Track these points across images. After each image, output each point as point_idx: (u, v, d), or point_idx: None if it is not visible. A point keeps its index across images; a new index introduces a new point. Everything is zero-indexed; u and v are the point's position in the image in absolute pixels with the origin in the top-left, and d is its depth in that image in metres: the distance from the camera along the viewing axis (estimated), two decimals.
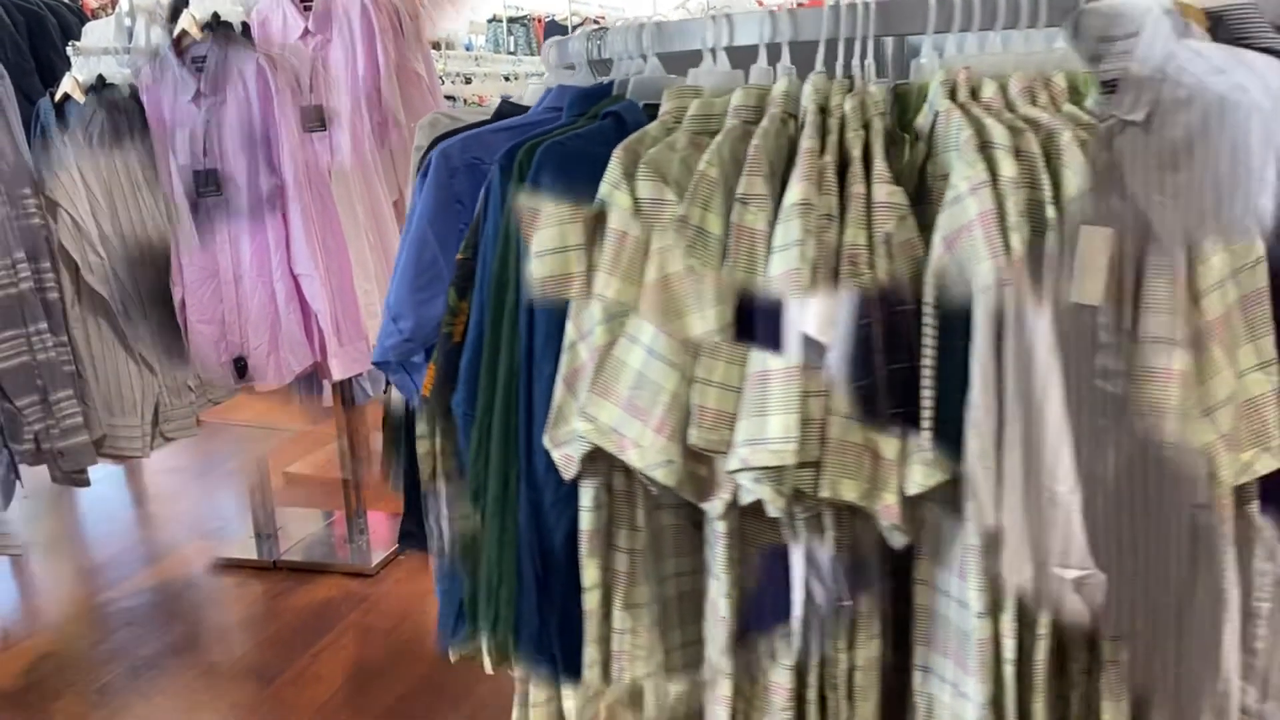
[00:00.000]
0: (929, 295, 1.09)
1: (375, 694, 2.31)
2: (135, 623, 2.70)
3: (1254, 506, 1.04)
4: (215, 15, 2.93)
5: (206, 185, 2.70)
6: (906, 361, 1.10)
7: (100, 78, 2.76)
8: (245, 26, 2.70)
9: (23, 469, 2.01)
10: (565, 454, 1.12)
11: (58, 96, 2.82)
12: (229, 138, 2.69)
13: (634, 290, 1.10)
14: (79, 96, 2.76)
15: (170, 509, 3.42)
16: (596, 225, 1.11)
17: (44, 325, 1.83)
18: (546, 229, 1.11)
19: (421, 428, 1.37)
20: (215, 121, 2.68)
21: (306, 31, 2.88)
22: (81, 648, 2.59)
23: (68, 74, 2.81)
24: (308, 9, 2.89)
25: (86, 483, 1.93)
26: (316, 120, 2.90)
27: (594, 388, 1.10)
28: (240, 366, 2.43)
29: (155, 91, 2.77)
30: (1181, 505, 1.12)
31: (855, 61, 1.21)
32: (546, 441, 1.13)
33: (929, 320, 1.09)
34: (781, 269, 1.09)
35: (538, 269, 1.11)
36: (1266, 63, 0.98)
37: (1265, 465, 1.07)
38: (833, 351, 1.09)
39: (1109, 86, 1.14)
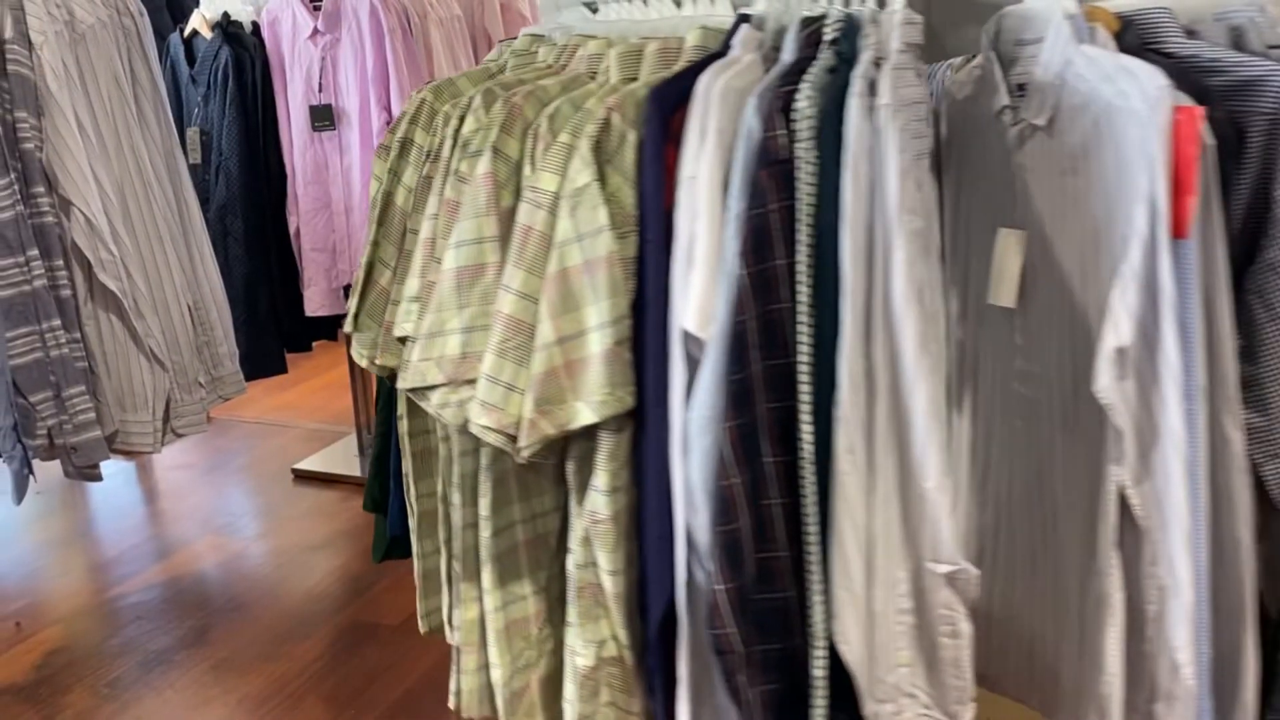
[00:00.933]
0: (803, 295, 1.11)
1: (382, 689, 2.33)
2: (145, 617, 2.71)
3: (1140, 510, 1.05)
4: (225, 14, 2.97)
5: (321, 120, 2.84)
6: (784, 358, 1.12)
7: (226, 15, 2.93)
8: None
9: (36, 464, 2.04)
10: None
11: (186, 32, 2.97)
12: (343, 74, 2.84)
13: None
14: (206, 33, 2.90)
15: (180, 505, 3.44)
16: None
17: (57, 322, 1.84)
18: None
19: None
20: (330, 58, 2.83)
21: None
22: (92, 642, 2.61)
23: (196, 10, 2.96)
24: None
25: (99, 477, 1.94)
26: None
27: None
28: (349, 294, 2.50)
29: (275, 29, 2.89)
30: (1077, 505, 1.14)
31: None
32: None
33: (803, 318, 1.11)
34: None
35: None
36: (1148, 70, 0.98)
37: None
38: (709, 345, 1.12)
39: (1021, 90, 1.15)
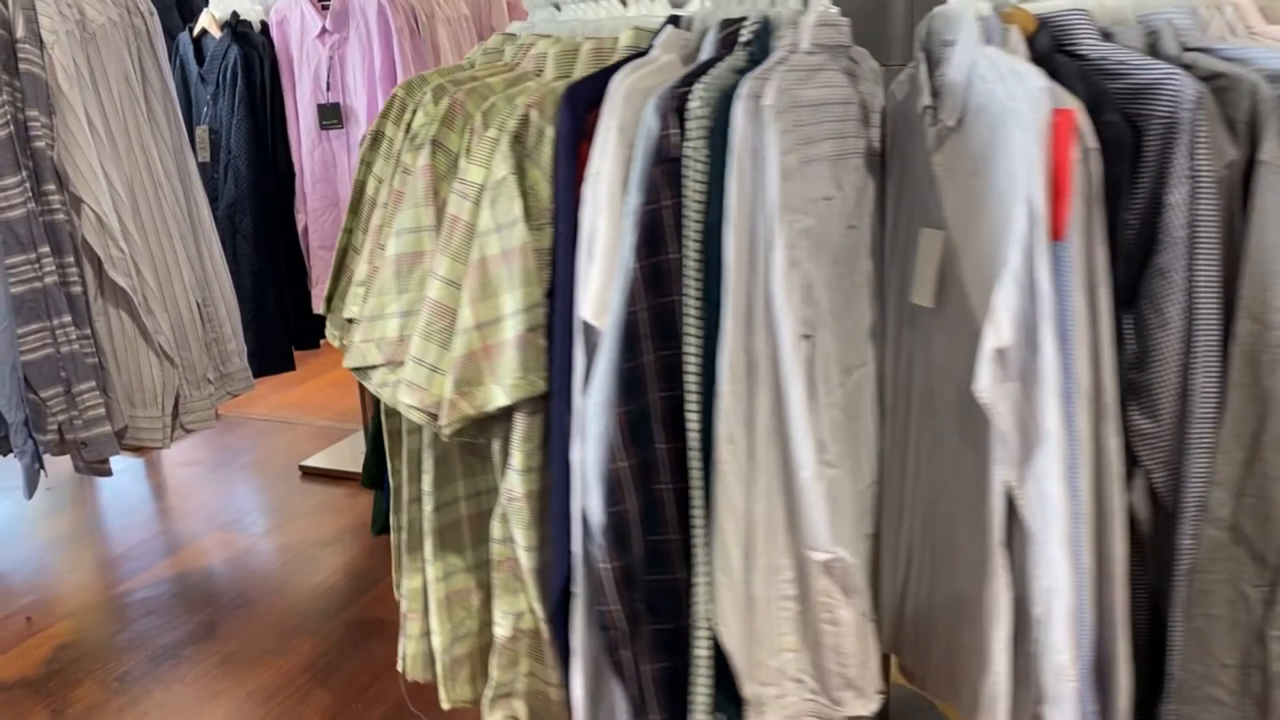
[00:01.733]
0: (690, 289, 1.14)
1: (389, 684, 2.34)
2: (154, 612, 2.73)
3: (1026, 512, 1.05)
4: (234, 14, 2.98)
5: (329, 118, 2.86)
6: (674, 349, 1.16)
7: (235, 14, 2.94)
8: None
9: (45, 460, 2.05)
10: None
11: (195, 31, 2.99)
12: (351, 73, 2.86)
13: None
14: (215, 32, 2.92)
15: (188, 501, 3.46)
16: None
17: (67, 318, 1.85)
18: None
19: None
20: (338, 57, 2.86)
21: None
22: (102, 636, 2.63)
23: (205, 10, 2.98)
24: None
25: (108, 472, 1.96)
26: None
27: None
28: None
29: (284, 28, 2.92)
30: (973, 506, 1.15)
31: None
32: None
33: (690, 312, 1.14)
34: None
35: None
36: (1032, 72, 0.99)
37: None
38: (604, 335, 1.17)
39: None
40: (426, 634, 1.55)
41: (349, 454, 3.58)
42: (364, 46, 2.90)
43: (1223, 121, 0.99)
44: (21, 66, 1.81)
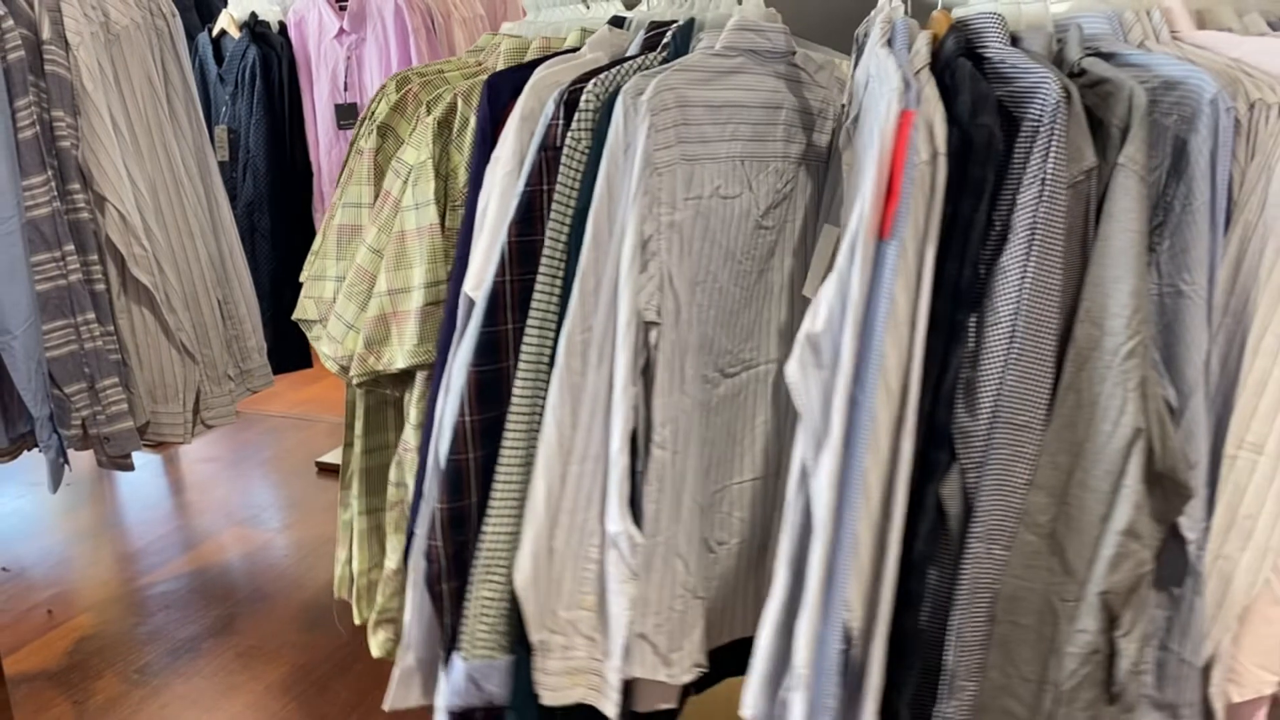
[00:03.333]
0: (544, 267, 1.23)
1: None
2: (173, 606, 2.76)
3: (811, 497, 1.07)
4: (253, 14, 3.01)
5: (347, 118, 2.90)
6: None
7: (253, 14, 2.96)
8: None
9: (69, 454, 2.08)
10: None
11: (215, 32, 3.02)
12: (368, 73, 2.88)
13: None
14: (234, 32, 2.95)
15: (206, 497, 3.49)
16: None
17: (91, 315, 1.88)
18: None
19: None
20: (355, 58, 2.89)
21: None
22: (121, 629, 2.66)
23: (224, 10, 3.00)
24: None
25: (131, 467, 1.98)
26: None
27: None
28: None
29: (302, 28, 2.95)
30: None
31: None
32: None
33: (541, 289, 1.23)
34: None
35: None
36: (893, 73, 1.01)
37: None
38: (477, 303, 1.28)
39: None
40: (349, 561, 1.74)
41: None
42: (381, 47, 2.93)
43: (1088, 126, 0.99)
44: (48, 68, 1.83)
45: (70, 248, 1.85)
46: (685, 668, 1.29)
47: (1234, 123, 0.97)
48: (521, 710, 1.26)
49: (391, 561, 1.59)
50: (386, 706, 1.43)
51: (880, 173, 0.98)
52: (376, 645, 1.67)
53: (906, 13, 1.18)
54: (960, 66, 1.03)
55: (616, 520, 1.20)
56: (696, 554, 1.29)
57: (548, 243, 1.23)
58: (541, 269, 1.23)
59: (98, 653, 2.55)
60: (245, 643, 2.57)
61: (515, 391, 1.23)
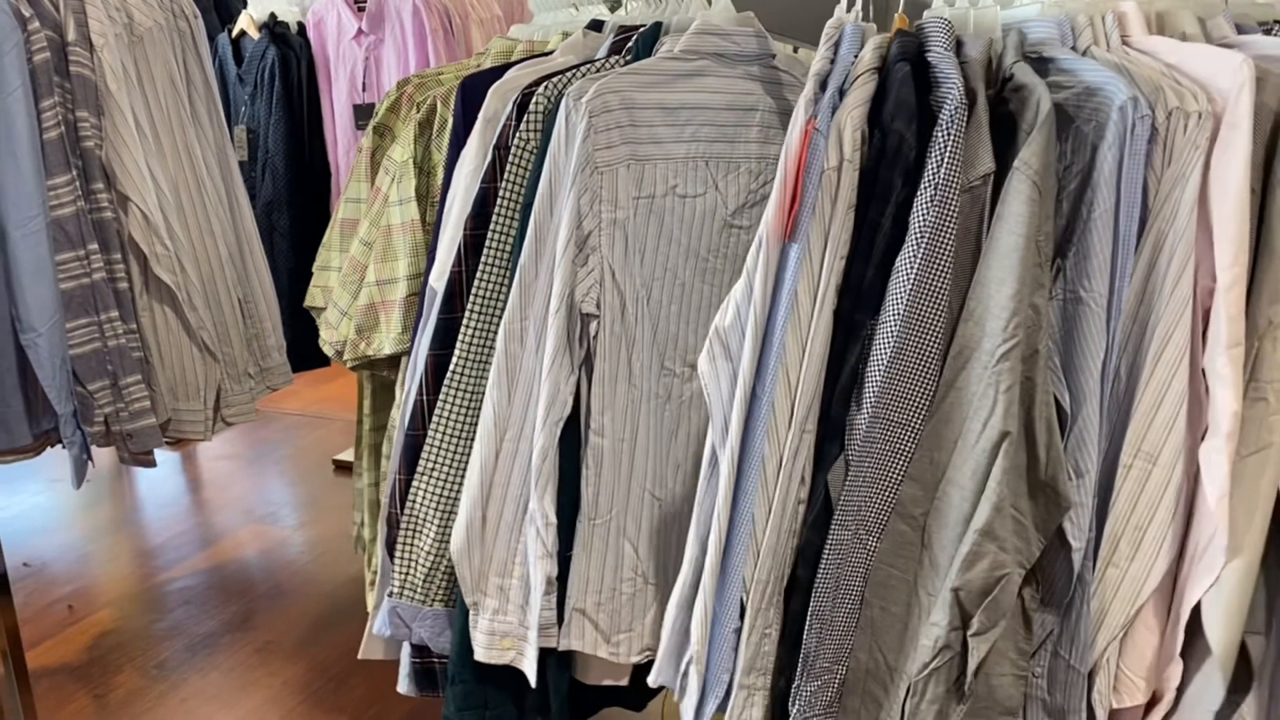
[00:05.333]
0: (487, 258, 1.32)
1: None
2: (192, 602, 2.79)
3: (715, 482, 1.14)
4: (272, 15, 3.03)
5: (365, 118, 2.93)
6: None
7: (272, 15, 2.99)
8: None
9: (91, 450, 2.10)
10: None
11: (234, 32, 3.05)
12: (386, 74, 2.91)
13: None
14: (253, 33, 2.98)
15: (224, 495, 3.52)
16: None
17: (114, 313, 1.90)
18: None
19: None
20: (374, 58, 2.92)
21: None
22: (141, 625, 2.69)
23: (243, 11, 3.03)
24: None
25: (153, 463, 2.00)
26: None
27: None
28: None
29: (321, 29, 2.98)
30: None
31: None
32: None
33: (481, 280, 1.32)
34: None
35: None
36: (813, 81, 1.08)
37: None
38: (439, 293, 1.37)
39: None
40: (362, 524, 1.91)
41: None
42: (399, 48, 2.94)
43: (989, 132, 1.00)
44: (72, 69, 1.85)
45: (94, 246, 1.87)
46: (633, 649, 1.35)
47: (1150, 130, 0.96)
48: (459, 665, 1.37)
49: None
50: (360, 657, 1.60)
51: (785, 178, 1.03)
52: (370, 602, 1.78)
53: (868, 16, 1.20)
54: (895, 71, 1.05)
55: (534, 499, 1.27)
56: (650, 540, 1.34)
57: (492, 236, 1.31)
58: (485, 259, 1.32)
59: (117, 647, 2.58)
60: (263, 638, 2.60)
61: (452, 366, 1.33)
